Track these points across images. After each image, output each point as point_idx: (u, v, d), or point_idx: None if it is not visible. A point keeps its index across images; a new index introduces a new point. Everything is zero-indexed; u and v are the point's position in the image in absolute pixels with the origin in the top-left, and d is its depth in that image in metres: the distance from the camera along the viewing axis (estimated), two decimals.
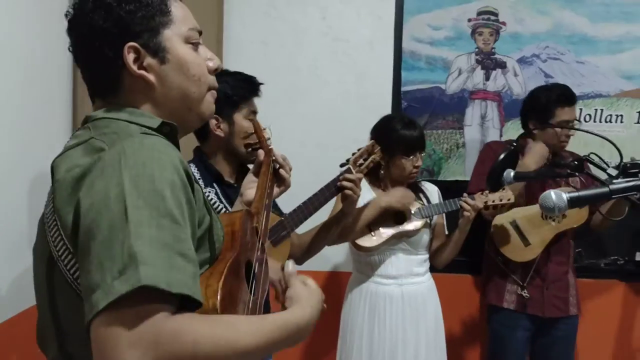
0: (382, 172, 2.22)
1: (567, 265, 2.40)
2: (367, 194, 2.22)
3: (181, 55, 0.96)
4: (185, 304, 0.77)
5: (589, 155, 1.56)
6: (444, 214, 2.34)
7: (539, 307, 2.34)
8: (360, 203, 2.14)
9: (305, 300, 0.95)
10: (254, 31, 2.66)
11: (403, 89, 2.73)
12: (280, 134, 2.62)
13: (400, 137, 2.16)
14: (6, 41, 1.70)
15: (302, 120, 2.67)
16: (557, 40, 2.69)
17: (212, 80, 1.02)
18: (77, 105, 2.12)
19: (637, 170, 1.09)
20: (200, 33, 1.00)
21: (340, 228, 1.93)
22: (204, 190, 1.57)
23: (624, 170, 1.11)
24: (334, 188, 1.81)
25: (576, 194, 1.13)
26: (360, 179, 1.85)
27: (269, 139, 1.45)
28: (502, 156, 1.76)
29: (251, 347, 0.80)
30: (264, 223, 1.10)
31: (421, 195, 2.28)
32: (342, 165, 1.88)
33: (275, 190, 1.39)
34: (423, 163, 2.63)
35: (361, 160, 1.90)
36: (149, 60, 0.94)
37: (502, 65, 2.72)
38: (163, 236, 0.77)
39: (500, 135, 2.71)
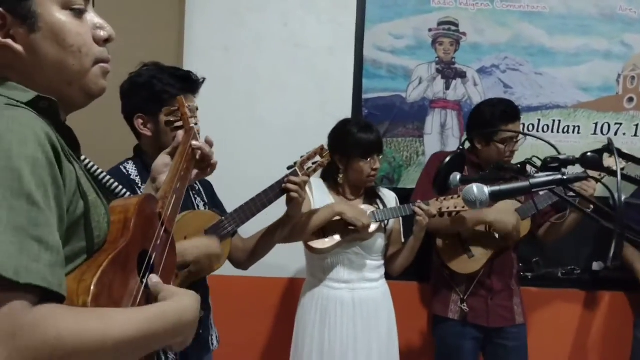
0: (340, 176, 2.22)
1: (511, 276, 2.42)
2: (325, 198, 2.22)
3: (55, 22, 0.87)
4: (48, 295, 0.72)
5: (531, 159, 1.58)
6: (400, 221, 2.34)
7: (484, 317, 2.35)
8: (317, 207, 2.15)
9: (182, 292, 0.91)
10: (216, 36, 2.67)
11: (364, 96, 2.74)
12: (239, 139, 2.66)
13: (357, 141, 2.16)
14: None
15: (261, 126, 2.67)
16: (516, 51, 2.73)
17: (100, 51, 0.93)
18: None
19: (557, 165, 1.10)
20: None
21: (286, 231, 1.91)
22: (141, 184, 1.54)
23: (545, 165, 1.12)
24: (278, 190, 1.80)
25: (497, 187, 1.14)
26: (305, 182, 1.84)
27: (193, 115, 1.31)
28: (448, 159, 1.75)
29: (124, 338, 0.76)
30: (171, 208, 1.04)
31: (377, 200, 2.28)
32: (289, 168, 1.87)
33: (194, 173, 1.28)
34: (382, 170, 2.66)
35: (309, 164, 1.89)
36: (15, 28, 0.85)
37: (462, 75, 2.75)
38: (15, 219, 0.71)
39: (460, 144, 2.73)
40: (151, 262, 0.94)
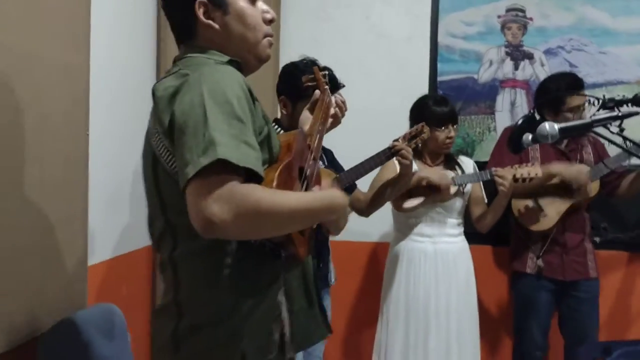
0: (419, 144, 2.54)
1: (584, 234, 2.63)
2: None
3: (239, 7, 1.24)
4: (250, 179, 1.06)
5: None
6: (481, 185, 2.63)
7: (560, 271, 2.59)
8: None
9: (332, 189, 1.27)
10: (307, 31, 3.05)
11: (439, 79, 3.05)
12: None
13: (432, 112, 2.48)
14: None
15: (350, 111, 3.01)
16: (580, 33, 2.97)
17: (268, 29, 1.28)
18: (160, 58, 2.51)
19: (613, 105, 1.38)
20: None
21: (396, 189, 2.27)
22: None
23: (604, 105, 1.40)
24: (388, 152, 2.14)
25: (564, 124, 1.43)
26: (410, 150, 2.17)
27: (326, 82, 1.65)
28: (521, 120, 2.04)
29: (297, 209, 1.12)
30: (316, 142, 1.38)
31: (456, 166, 2.58)
32: (394, 141, 2.20)
33: (330, 121, 1.60)
34: (457, 145, 2.94)
35: (410, 137, 2.22)
36: (214, 12, 1.22)
37: (530, 57, 3.01)
38: (232, 130, 1.05)
39: None
40: (306, 175, 1.30)
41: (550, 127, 1.41)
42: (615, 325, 2.81)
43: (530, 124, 2.10)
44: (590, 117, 1.40)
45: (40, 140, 1.55)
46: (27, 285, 1.52)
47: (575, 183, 2.49)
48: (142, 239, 2.25)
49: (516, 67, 3.03)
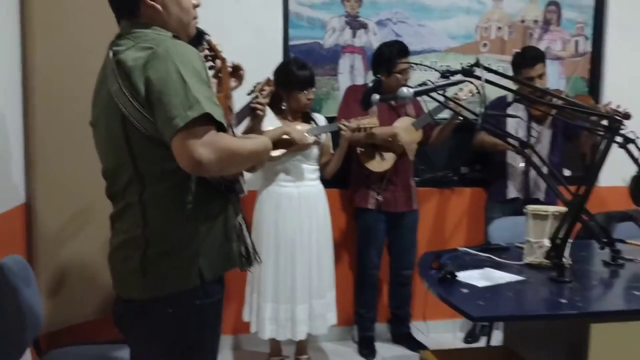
0: (284, 105, 2.94)
1: (409, 175, 3.32)
2: (274, 122, 2.92)
3: None
4: (220, 128, 1.37)
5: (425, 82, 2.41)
6: (330, 137, 3.12)
7: (393, 205, 3.25)
8: (269, 128, 2.85)
9: (264, 137, 1.62)
10: None
11: (290, 43, 3.45)
12: None
13: (296, 76, 2.89)
14: None
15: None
16: (404, 7, 3.57)
17: (195, 12, 1.55)
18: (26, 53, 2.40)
19: (449, 75, 1.91)
20: None
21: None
22: None
23: (443, 75, 1.92)
24: (249, 109, 2.50)
25: (418, 88, 1.93)
26: (265, 103, 2.54)
27: (221, 51, 1.89)
28: (370, 84, 2.55)
29: (252, 150, 1.46)
30: (231, 103, 1.72)
31: (312, 121, 3.03)
32: (249, 94, 2.54)
33: (232, 84, 1.88)
34: None
35: (262, 89, 2.59)
36: None
37: (365, 26, 3.54)
38: (206, 93, 1.34)
39: (365, 81, 3.54)
40: (231, 127, 1.62)
41: (407, 91, 1.89)
42: (431, 244, 3.56)
43: (377, 86, 2.62)
44: (434, 83, 1.92)
45: None
46: None
47: (407, 144, 3.16)
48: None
49: (354, 35, 3.54)
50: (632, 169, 2.40)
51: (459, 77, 1.97)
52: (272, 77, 2.86)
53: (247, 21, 3.33)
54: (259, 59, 3.24)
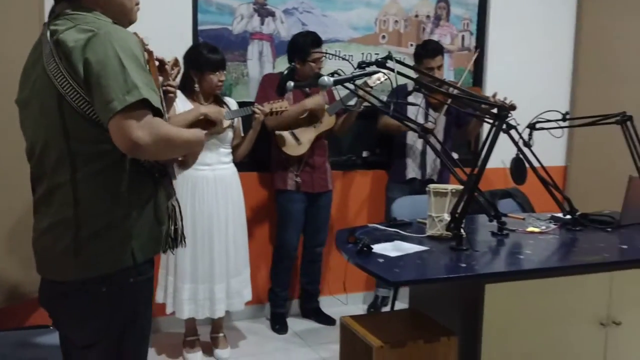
0: (196, 86, 3.00)
1: (325, 157, 3.52)
2: (186, 104, 2.97)
3: None
4: (157, 114, 1.43)
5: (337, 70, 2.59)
6: (240, 121, 3.22)
7: (310, 186, 3.44)
8: (182, 110, 2.90)
9: (197, 129, 1.70)
10: None
11: (199, 28, 3.48)
12: None
13: (207, 59, 2.97)
14: None
15: None
16: None
17: None
18: None
19: (365, 66, 2.10)
20: None
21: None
22: None
23: (359, 65, 2.11)
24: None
25: (338, 77, 2.10)
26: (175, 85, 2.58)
27: (147, 44, 1.93)
28: (286, 72, 2.69)
29: (187, 139, 1.52)
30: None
31: (224, 104, 3.12)
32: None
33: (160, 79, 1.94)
34: None
35: (172, 71, 2.63)
36: None
37: (272, 14, 3.66)
38: (144, 79, 1.38)
39: (273, 68, 3.67)
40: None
41: (327, 79, 2.06)
42: (339, 222, 3.80)
43: (291, 74, 2.78)
44: (351, 73, 2.11)
45: None
46: None
47: (317, 107, 3.33)
48: None
49: (262, 23, 3.65)
50: (509, 153, 2.79)
51: (373, 68, 2.17)
52: (181, 61, 2.91)
53: (157, 5, 3.32)
54: (168, 43, 3.25)
